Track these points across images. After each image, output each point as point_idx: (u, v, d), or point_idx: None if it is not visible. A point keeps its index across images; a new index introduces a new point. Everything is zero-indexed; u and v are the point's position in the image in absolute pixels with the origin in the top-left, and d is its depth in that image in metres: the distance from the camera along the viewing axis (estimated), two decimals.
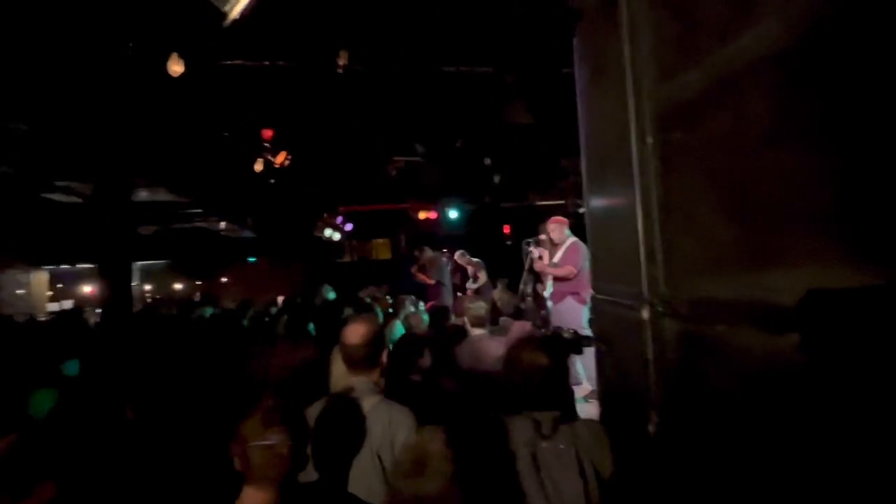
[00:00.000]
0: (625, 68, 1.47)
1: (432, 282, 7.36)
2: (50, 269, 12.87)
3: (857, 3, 0.78)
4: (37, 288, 12.40)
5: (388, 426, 1.63)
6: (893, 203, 0.75)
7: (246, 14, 1.85)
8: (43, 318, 8.02)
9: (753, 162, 1.02)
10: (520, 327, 3.12)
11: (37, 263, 11.76)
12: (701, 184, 1.17)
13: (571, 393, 1.89)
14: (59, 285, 14.68)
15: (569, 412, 1.49)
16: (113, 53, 3.44)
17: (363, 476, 1.62)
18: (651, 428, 1.38)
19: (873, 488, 0.75)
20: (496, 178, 8.66)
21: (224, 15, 1.85)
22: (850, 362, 0.81)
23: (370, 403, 1.68)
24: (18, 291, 12.05)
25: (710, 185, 1.14)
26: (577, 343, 2.51)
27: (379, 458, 1.62)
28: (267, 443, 1.26)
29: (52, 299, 13.34)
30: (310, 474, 1.58)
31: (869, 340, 0.79)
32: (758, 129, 1.00)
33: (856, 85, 0.80)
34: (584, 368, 4.37)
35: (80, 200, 7.39)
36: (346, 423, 1.65)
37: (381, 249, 12.92)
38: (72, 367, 3.39)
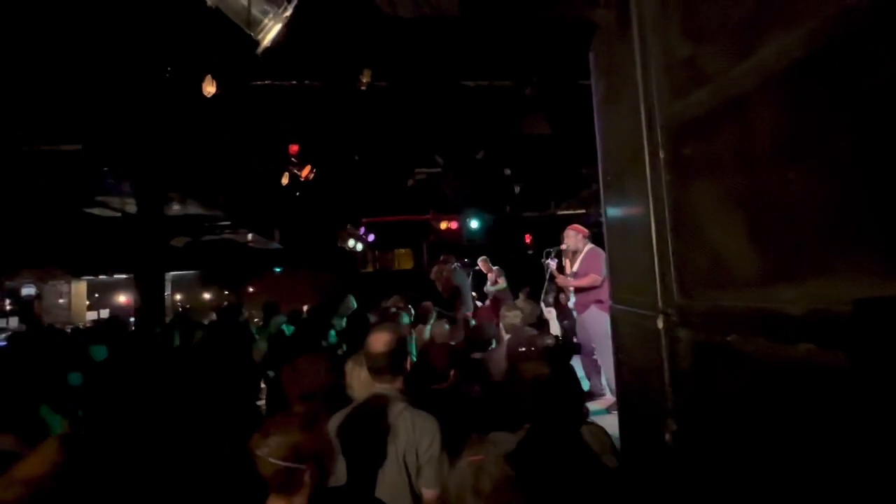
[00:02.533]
0: (638, 84, 1.52)
1: (456, 283, 7.32)
2: (87, 279, 13.47)
3: (872, 23, 0.81)
4: (76, 298, 13.01)
5: (413, 433, 1.67)
6: None
7: (278, 42, 1.97)
8: (82, 327, 8.39)
9: (764, 177, 1.05)
10: (514, 339, 3.16)
11: (77, 274, 12.35)
12: (712, 197, 1.21)
13: (581, 400, 1.90)
14: (96, 295, 15.34)
15: (572, 420, 1.51)
16: (152, 77, 3.67)
17: (389, 482, 1.65)
18: (668, 436, 1.40)
19: (877, 492, 0.77)
20: (517, 189, 8.70)
21: (257, 43, 1.98)
22: (863, 372, 0.83)
23: (395, 410, 1.71)
24: (60, 301, 12.67)
25: (722, 199, 1.17)
26: (563, 351, 2.53)
27: (405, 464, 1.66)
28: (258, 453, 1.27)
29: (90, 308, 13.94)
30: (340, 480, 1.63)
31: (880, 351, 0.81)
32: (768, 145, 1.03)
33: (867, 100, 0.83)
34: (607, 380, 4.33)
35: (118, 214, 7.77)
36: (372, 430, 1.68)
37: (404, 259, 13.06)
38: (99, 353, 3.60)
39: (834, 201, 0.90)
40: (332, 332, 4.65)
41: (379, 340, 1.80)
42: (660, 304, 1.42)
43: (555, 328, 4.88)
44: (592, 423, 1.52)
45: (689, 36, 1.28)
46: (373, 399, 1.76)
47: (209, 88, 3.91)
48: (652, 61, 1.43)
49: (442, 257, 7.67)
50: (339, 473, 1.65)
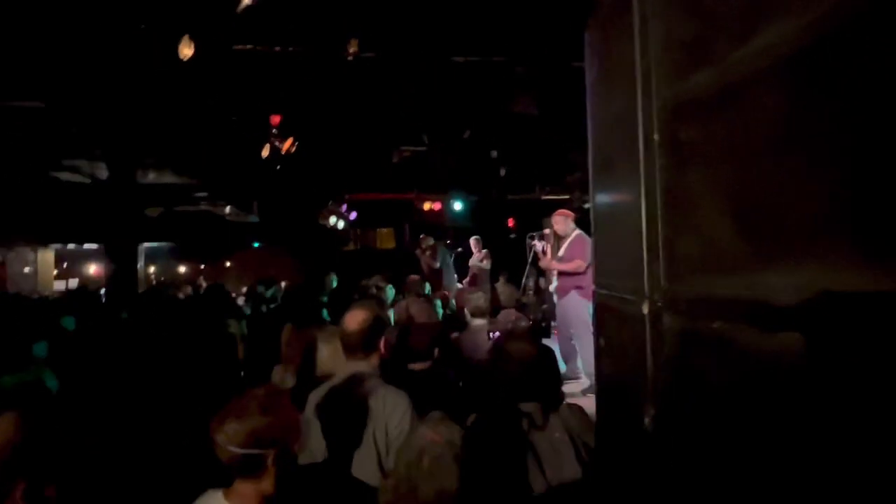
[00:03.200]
0: (635, 64, 1.48)
1: (437, 265, 7.59)
2: (55, 248, 12.98)
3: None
4: (43, 266, 12.54)
5: (383, 409, 1.67)
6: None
7: (258, 1, 1.85)
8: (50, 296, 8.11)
9: (759, 164, 1.03)
10: (505, 316, 3.18)
11: (43, 242, 11.88)
12: (705, 182, 1.19)
13: (559, 382, 1.93)
14: (65, 264, 14.82)
15: (553, 400, 1.53)
16: (125, 33, 3.45)
17: (364, 460, 1.65)
18: (647, 421, 1.41)
19: (866, 487, 0.78)
20: (502, 171, 8.66)
21: (238, 2, 1.86)
22: (849, 363, 0.84)
23: (368, 387, 1.71)
24: (25, 270, 12.18)
25: (714, 185, 1.15)
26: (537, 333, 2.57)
27: (374, 441, 1.66)
28: (216, 440, 1.24)
29: (57, 278, 13.48)
30: (319, 457, 1.62)
31: (868, 344, 0.81)
32: (766, 131, 1.01)
33: (872, 89, 0.81)
34: (583, 364, 4.41)
35: (87, 180, 7.44)
36: (345, 408, 1.69)
37: (385, 239, 12.97)
38: (67, 322, 3.50)
39: (828, 191, 0.89)
40: (325, 312, 4.59)
41: (354, 319, 1.79)
42: (646, 289, 1.41)
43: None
44: (571, 403, 1.53)
45: (692, 15, 1.24)
46: (348, 377, 1.75)
47: (186, 51, 3.71)
48: (651, 41, 1.39)
49: (421, 237, 7.88)
50: (319, 451, 1.64)
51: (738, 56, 1.04)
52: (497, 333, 2.69)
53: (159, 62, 3.70)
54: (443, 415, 1.30)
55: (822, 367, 0.87)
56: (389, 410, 1.65)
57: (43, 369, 2.41)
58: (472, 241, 7.78)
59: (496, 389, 1.60)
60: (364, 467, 1.63)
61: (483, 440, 1.24)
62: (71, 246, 13.98)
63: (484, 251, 7.54)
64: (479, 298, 2.97)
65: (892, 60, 0.78)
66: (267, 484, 1.27)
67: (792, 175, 0.94)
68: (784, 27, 0.94)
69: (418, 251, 8.07)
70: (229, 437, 1.22)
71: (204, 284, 9.53)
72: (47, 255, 12.68)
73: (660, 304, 1.36)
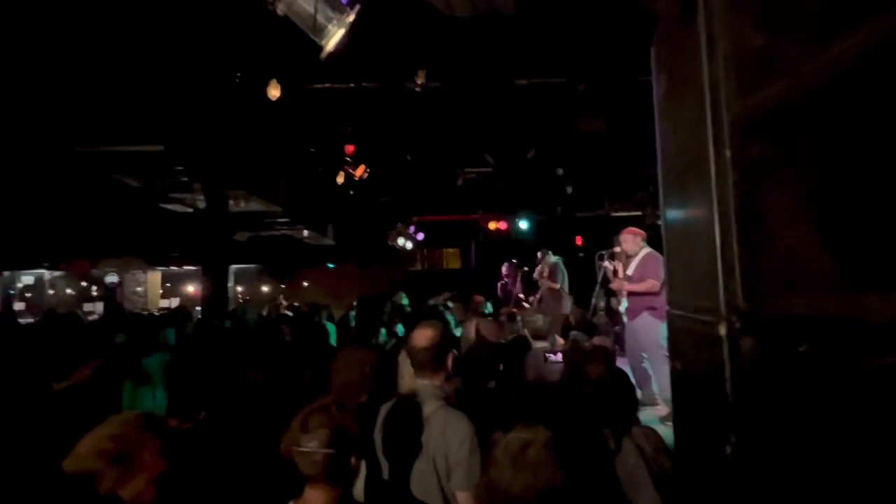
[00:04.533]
0: (703, 77, 1.45)
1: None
2: (161, 269, 14.61)
3: None
4: (151, 287, 14.15)
5: (443, 435, 1.65)
6: None
7: (341, 47, 2.05)
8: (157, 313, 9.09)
9: (843, 176, 0.97)
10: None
11: (152, 264, 13.43)
12: (783, 198, 1.13)
13: (635, 407, 1.84)
14: (168, 285, 16.58)
15: (627, 424, 1.47)
16: (225, 83, 3.93)
17: (422, 480, 1.65)
18: (728, 450, 1.33)
19: None
20: (569, 189, 8.52)
21: (319, 47, 2.07)
22: None
23: (430, 408, 1.71)
24: (137, 289, 13.84)
25: (793, 200, 1.10)
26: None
27: (434, 464, 1.64)
28: (301, 448, 1.25)
29: (163, 297, 15.12)
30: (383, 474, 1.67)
31: None
32: (848, 141, 0.96)
33: None
34: (659, 388, 4.16)
35: (189, 210, 8.37)
36: (406, 427, 1.69)
37: (451, 258, 13.15)
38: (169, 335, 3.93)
39: None
40: (383, 331, 4.76)
41: (422, 336, 1.81)
42: (723, 309, 1.35)
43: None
44: (646, 426, 1.47)
45: (762, 24, 1.20)
46: (411, 395, 1.78)
47: (274, 92, 4.13)
48: (719, 53, 1.36)
49: (539, 254, 7.05)
50: (383, 467, 1.68)
51: (814, 65, 1.00)
52: (556, 355, 2.62)
53: (252, 105, 4.16)
54: (529, 423, 1.28)
55: None
56: (450, 436, 1.62)
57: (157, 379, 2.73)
58: (539, 254, 7.00)
59: (567, 410, 1.57)
60: (424, 488, 1.63)
61: (569, 455, 1.22)
62: (173, 268, 15.68)
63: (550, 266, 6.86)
64: (537, 321, 2.93)
65: None
66: (337, 493, 1.28)
67: (878, 186, 0.88)
68: (862, 32, 0.89)
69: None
70: (320, 442, 1.23)
71: (284, 303, 10.22)
72: (155, 277, 14.33)
73: (738, 325, 1.29)
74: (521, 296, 8.28)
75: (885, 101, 0.89)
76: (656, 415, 3.99)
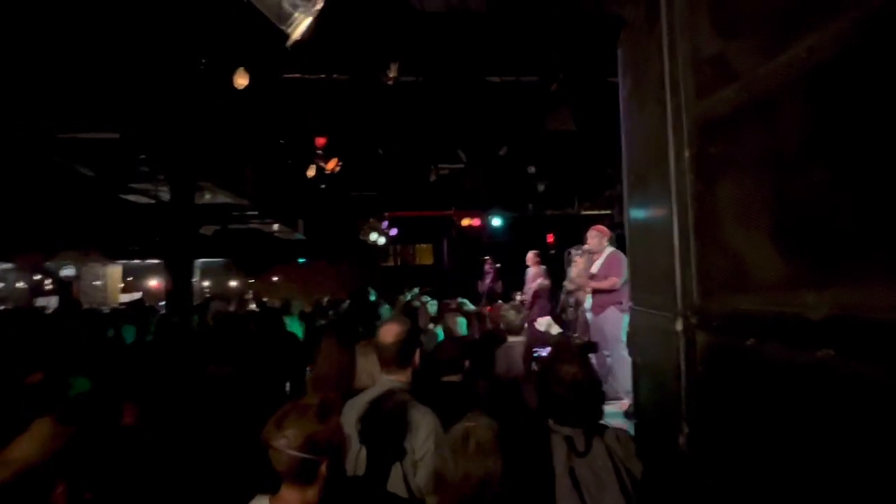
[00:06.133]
0: (665, 80, 1.49)
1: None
2: (122, 263, 14.01)
3: None
4: (111, 281, 13.55)
5: (409, 428, 1.66)
6: None
7: (307, 36, 2.01)
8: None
9: (788, 180, 1.02)
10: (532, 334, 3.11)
11: (112, 257, 12.85)
12: (735, 199, 1.18)
13: (602, 405, 1.89)
14: (129, 278, 15.93)
15: (598, 424, 1.50)
16: (189, 69, 3.78)
17: (395, 475, 1.66)
18: (682, 439, 1.38)
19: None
20: (540, 187, 8.63)
21: (287, 36, 2.02)
22: (885, 380, 0.81)
23: (398, 403, 1.71)
24: (95, 283, 13.22)
25: (745, 201, 1.14)
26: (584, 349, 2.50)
27: (401, 457, 1.65)
28: (271, 444, 1.24)
29: (123, 291, 14.52)
30: (360, 471, 1.65)
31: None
32: (795, 146, 1.00)
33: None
34: (622, 383, 4.27)
35: (152, 201, 8.05)
36: (376, 423, 1.69)
37: (424, 255, 13.13)
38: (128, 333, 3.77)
39: (862, 205, 0.87)
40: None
41: (389, 331, 1.81)
42: (679, 306, 1.40)
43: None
44: (618, 429, 1.50)
45: (717, 32, 1.25)
46: (379, 391, 1.77)
47: (241, 81, 4.01)
48: (679, 57, 1.40)
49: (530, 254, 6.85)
50: (361, 464, 1.67)
51: (764, 71, 1.05)
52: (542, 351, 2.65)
53: (217, 93, 4.02)
54: (479, 413, 1.29)
55: (858, 384, 0.84)
56: (415, 430, 1.64)
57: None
58: (531, 255, 6.86)
59: (541, 411, 1.58)
60: (392, 482, 1.65)
61: (517, 451, 1.23)
62: (135, 261, 15.06)
63: (542, 267, 6.82)
64: (512, 315, 2.97)
65: None
66: (313, 493, 1.27)
67: (821, 190, 0.93)
68: (809, 40, 0.94)
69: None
70: (289, 441, 1.23)
71: (251, 297, 9.98)
72: (115, 271, 13.73)
73: (693, 321, 1.34)
74: (498, 291, 8.38)
75: (827, 108, 0.94)
76: (620, 409, 4.11)
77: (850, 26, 0.87)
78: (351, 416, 1.74)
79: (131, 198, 8.00)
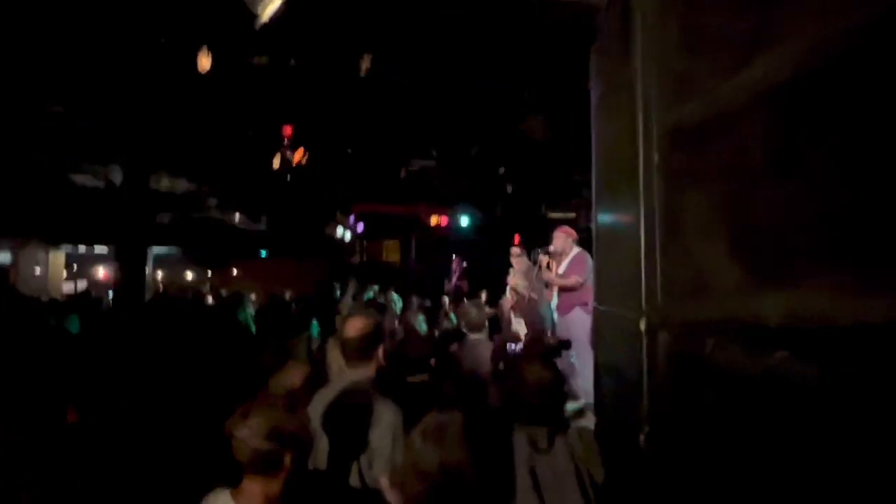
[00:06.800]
0: (636, 90, 1.53)
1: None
2: (66, 250, 13.13)
3: (871, 44, 0.82)
4: (54, 269, 12.65)
5: (370, 420, 1.67)
6: (879, 235, 0.80)
7: (276, 18, 1.94)
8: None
9: (749, 191, 1.07)
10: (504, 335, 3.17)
11: (55, 243, 12.01)
12: (699, 207, 1.23)
13: (564, 404, 1.93)
14: (74, 267, 14.97)
15: (561, 424, 1.53)
16: (146, 44, 3.58)
17: (353, 468, 1.66)
18: (642, 439, 1.43)
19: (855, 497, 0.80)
20: (509, 188, 8.74)
21: (256, 17, 1.95)
22: (838, 384, 0.86)
23: (361, 397, 1.73)
24: (36, 271, 12.27)
25: (707, 210, 1.19)
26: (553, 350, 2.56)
27: (363, 450, 1.66)
28: (235, 433, 1.23)
29: (66, 280, 13.61)
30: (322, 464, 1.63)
31: (856, 366, 0.84)
32: (752, 160, 1.05)
33: (853, 121, 0.85)
34: (584, 383, 4.38)
35: (101, 184, 7.60)
36: (339, 417, 1.69)
37: (391, 251, 13.02)
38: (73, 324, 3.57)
39: (812, 217, 0.93)
40: (315, 324, 4.66)
41: (353, 326, 1.82)
42: (643, 306, 1.44)
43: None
44: (583, 428, 1.53)
45: (685, 47, 1.29)
46: (343, 385, 1.78)
47: (204, 62, 3.83)
48: (652, 67, 1.45)
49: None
50: (322, 458, 1.65)
51: (726, 88, 1.09)
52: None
53: (178, 73, 3.83)
54: (441, 411, 1.29)
55: (811, 386, 0.89)
56: (375, 423, 1.65)
57: None
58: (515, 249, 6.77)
59: (507, 411, 1.59)
60: (355, 475, 1.64)
61: (480, 446, 1.23)
62: (81, 249, 14.16)
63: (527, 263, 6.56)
64: (473, 313, 2.99)
65: (875, 93, 0.82)
66: (276, 485, 1.25)
67: (778, 201, 0.98)
68: (769, 61, 0.99)
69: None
70: (252, 432, 1.21)
71: (207, 290, 9.60)
72: (58, 257, 12.84)
73: (656, 321, 1.39)
74: (464, 290, 8.44)
75: (782, 127, 0.99)
76: (578, 406, 4.22)
77: (805, 49, 0.92)
78: (318, 408, 1.73)
79: (79, 179, 7.52)
